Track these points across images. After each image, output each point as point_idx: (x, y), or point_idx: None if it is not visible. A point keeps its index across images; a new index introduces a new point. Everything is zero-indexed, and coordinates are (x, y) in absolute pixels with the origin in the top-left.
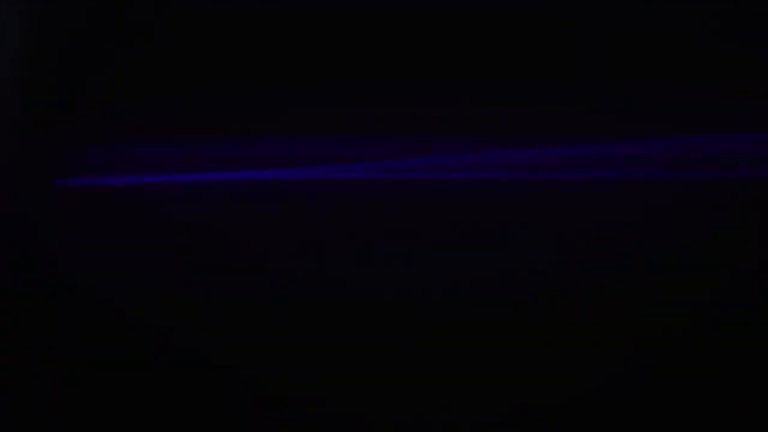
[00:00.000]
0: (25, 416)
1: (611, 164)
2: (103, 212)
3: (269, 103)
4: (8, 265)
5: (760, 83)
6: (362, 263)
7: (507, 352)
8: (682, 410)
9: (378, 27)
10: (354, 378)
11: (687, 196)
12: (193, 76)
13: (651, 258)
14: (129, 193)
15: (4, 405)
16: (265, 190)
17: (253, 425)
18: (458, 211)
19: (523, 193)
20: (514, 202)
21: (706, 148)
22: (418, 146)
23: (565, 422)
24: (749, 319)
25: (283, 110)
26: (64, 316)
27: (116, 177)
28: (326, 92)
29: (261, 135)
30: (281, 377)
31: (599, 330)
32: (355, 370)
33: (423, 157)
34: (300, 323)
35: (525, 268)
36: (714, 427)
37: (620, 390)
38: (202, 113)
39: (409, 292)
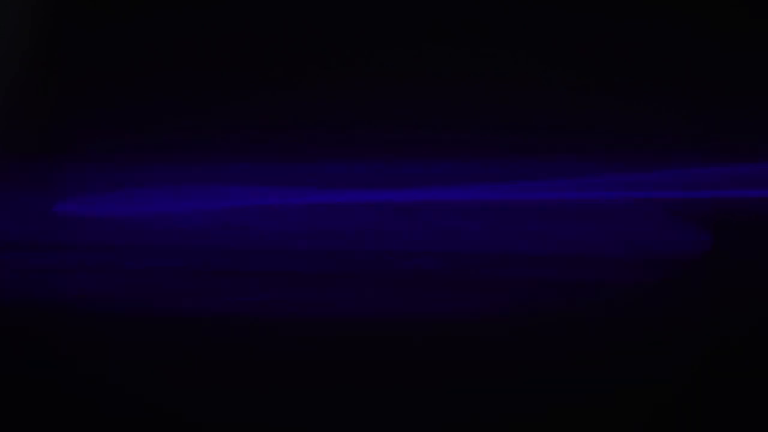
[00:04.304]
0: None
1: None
2: (104, 235)
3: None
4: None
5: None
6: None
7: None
8: None
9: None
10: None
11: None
12: (196, 97)
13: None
14: (127, 217)
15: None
16: (268, 212)
17: None
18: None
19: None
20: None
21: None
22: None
23: None
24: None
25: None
26: (64, 339)
27: (117, 199)
28: (333, 114)
29: (260, 157)
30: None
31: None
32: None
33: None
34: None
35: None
36: None
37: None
38: (207, 134)
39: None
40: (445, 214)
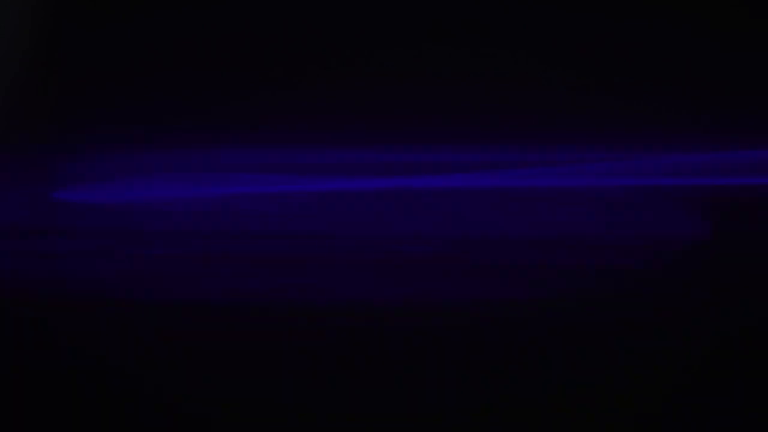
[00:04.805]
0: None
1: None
2: (101, 222)
3: (267, 110)
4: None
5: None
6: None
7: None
8: None
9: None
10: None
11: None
12: (196, 96)
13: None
14: (126, 205)
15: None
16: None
17: None
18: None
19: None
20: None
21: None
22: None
23: None
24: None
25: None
26: (60, 326)
27: (117, 185)
28: (329, 100)
29: (256, 143)
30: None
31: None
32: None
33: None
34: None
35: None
36: None
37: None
38: (202, 121)
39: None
40: (443, 199)
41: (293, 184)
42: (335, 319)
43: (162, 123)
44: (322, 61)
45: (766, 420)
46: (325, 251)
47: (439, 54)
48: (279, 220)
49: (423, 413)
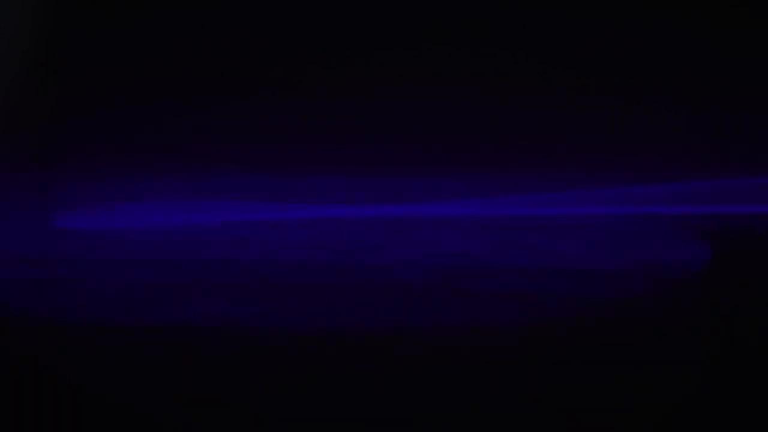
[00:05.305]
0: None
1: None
2: (100, 249)
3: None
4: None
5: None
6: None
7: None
8: None
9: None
10: None
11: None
12: (196, 96)
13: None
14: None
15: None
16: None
17: None
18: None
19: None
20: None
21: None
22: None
23: None
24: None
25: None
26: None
27: (113, 212)
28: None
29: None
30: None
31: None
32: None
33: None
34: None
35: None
36: None
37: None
38: (198, 147)
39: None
40: (435, 227)
41: (286, 212)
42: (325, 346)
43: (158, 149)
44: (323, 65)
45: None
46: (316, 278)
47: (439, 54)
48: (270, 247)
49: None
